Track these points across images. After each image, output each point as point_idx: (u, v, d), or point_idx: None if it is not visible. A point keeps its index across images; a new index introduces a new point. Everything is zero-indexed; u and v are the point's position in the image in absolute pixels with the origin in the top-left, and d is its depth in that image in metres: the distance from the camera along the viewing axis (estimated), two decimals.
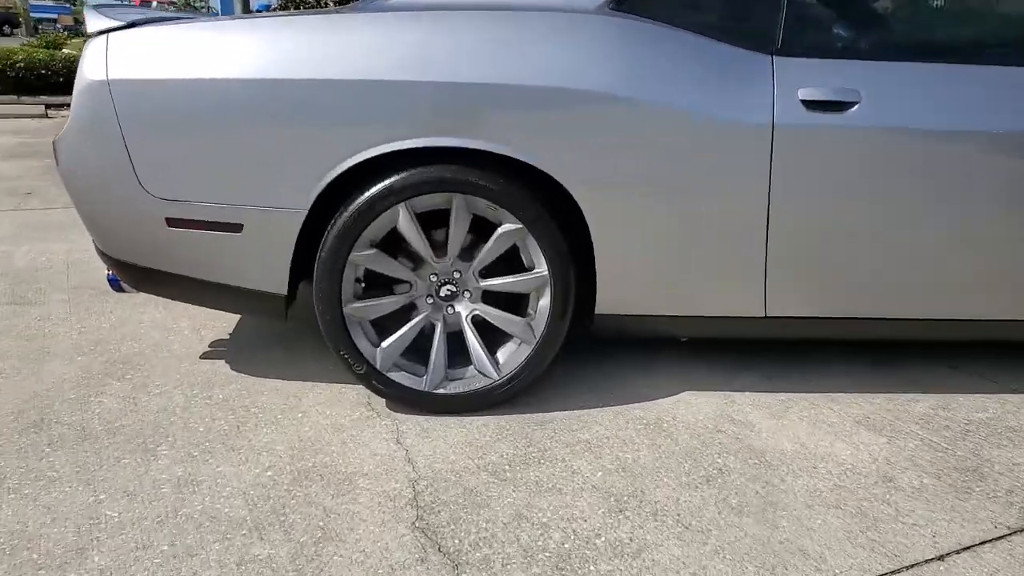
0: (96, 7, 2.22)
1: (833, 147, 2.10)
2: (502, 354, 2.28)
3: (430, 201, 2.13)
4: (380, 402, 2.34)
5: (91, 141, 2.09)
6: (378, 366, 2.22)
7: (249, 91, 2.04)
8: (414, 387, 2.24)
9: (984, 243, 2.19)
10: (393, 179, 2.08)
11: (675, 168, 2.10)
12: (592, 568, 1.66)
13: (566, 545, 1.74)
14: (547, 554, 1.70)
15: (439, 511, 1.84)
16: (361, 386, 2.37)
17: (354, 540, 1.73)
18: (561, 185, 2.13)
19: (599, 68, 2.05)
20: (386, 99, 2.03)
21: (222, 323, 2.96)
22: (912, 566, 1.69)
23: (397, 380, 2.24)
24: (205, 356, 2.67)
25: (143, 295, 3.04)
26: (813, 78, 2.11)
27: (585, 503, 1.89)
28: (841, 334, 2.39)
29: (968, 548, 1.75)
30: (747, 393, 2.48)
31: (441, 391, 2.25)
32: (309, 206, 2.11)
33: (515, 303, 2.33)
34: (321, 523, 1.79)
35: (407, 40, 2.05)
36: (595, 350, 2.75)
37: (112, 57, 2.06)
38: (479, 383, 2.25)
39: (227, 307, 2.34)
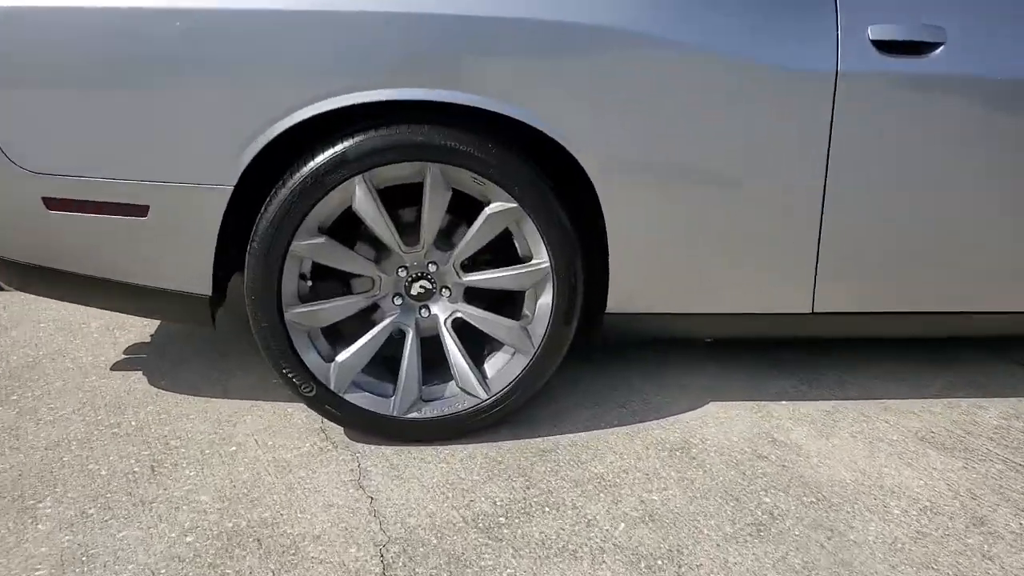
0: None
1: (911, 100, 1.65)
2: (491, 367, 1.81)
3: (396, 173, 1.63)
4: (337, 429, 1.86)
5: None
6: (332, 386, 1.73)
7: (151, 25, 1.51)
8: (380, 411, 1.76)
9: None
10: (347, 144, 1.58)
11: (710, 129, 1.63)
12: None
13: None
14: None
15: None
16: None
17: None
18: (564, 151, 1.65)
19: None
20: (337, 36, 1.52)
21: (141, 323, 2.44)
22: None
23: (358, 403, 1.75)
24: (117, 367, 2.16)
25: None
26: (886, 12, 1.65)
27: (608, 572, 1.44)
28: (900, 331, 1.97)
29: None
30: (784, 403, 2.05)
31: (414, 415, 1.77)
32: (235, 181, 1.60)
33: (504, 303, 1.86)
34: None
35: None
36: (594, 354, 2.30)
37: None
38: (462, 404, 1.78)
39: (137, 312, 1.83)
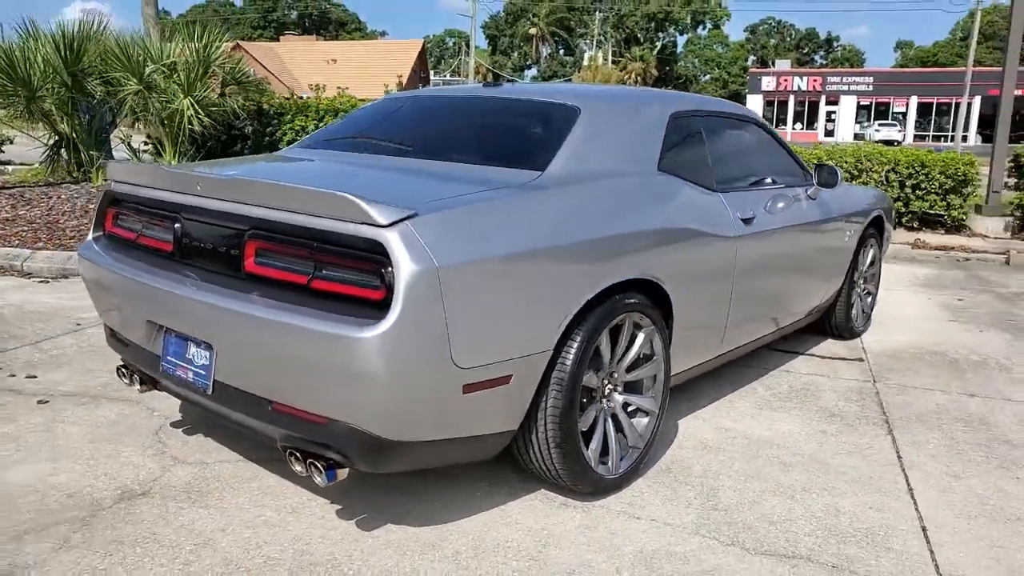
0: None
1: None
2: (636, 428, 2.89)
3: (614, 321, 2.65)
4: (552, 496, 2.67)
5: (418, 330, 2.02)
6: (592, 467, 2.61)
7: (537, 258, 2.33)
8: (608, 475, 2.70)
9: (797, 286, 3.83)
10: (613, 305, 2.57)
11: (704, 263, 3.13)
12: None
13: None
14: None
15: None
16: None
17: None
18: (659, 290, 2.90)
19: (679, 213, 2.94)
20: (624, 244, 2.62)
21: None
22: None
23: (602, 473, 2.66)
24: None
25: None
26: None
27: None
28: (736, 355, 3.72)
29: None
30: (708, 408, 3.59)
31: (618, 473, 2.76)
32: (556, 341, 2.41)
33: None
34: None
35: (615, 203, 2.65)
36: None
37: (431, 245, 2.06)
38: (635, 455, 2.83)
39: (463, 457, 2.41)
